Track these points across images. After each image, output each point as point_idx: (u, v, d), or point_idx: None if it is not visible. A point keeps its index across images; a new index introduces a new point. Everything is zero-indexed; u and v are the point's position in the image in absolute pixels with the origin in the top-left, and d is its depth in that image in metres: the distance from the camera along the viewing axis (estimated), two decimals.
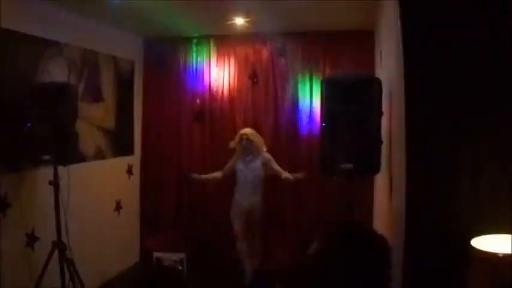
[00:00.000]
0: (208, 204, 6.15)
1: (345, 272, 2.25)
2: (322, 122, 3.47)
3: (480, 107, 2.83)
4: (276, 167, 5.57)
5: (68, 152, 4.03)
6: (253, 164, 5.55)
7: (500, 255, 2.37)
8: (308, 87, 5.93)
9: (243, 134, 5.57)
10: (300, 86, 5.97)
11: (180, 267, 5.01)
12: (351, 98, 3.31)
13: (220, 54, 6.21)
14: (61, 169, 4.08)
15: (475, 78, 2.83)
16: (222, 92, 6.19)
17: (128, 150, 6.12)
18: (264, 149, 5.64)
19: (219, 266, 5.76)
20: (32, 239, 4.26)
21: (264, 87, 6.07)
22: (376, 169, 3.39)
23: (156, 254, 4.81)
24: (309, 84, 5.93)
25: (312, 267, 2.39)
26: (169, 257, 4.85)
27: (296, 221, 5.99)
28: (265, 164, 5.56)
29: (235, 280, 5.50)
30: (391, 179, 3.55)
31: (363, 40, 5.63)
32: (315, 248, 2.57)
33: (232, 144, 5.61)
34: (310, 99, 5.91)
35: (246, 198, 5.55)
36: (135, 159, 6.28)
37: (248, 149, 5.53)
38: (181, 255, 4.87)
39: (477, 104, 2.83)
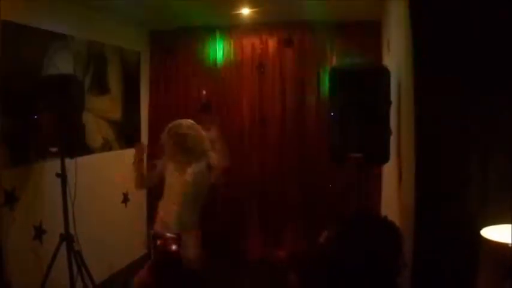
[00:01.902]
0: (215, 194, 6.13)
1: (359, 259, 2.25)
2: (330, 112, 3.45)
3: (490, 96, 2.80)
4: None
5: (75, 144, 4.03)
6: (191, 169, 3.95)
7: (510, 245, 2.36)
8: (315, 77, 5.89)
9: (172, 127, 4.02)
10: (306, 76, 5.93)
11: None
12: (359, 88, 3.30)
13: (226, 45, 6.18)
14: (68, 161, 4.07)
15: (485, 67, 2.81)
16: (229, 83, 6.16)
17: (134, 141, 6.10)
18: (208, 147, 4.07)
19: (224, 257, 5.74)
20: (39, 231, 4.27)
21: (271, 78, 6.04)
22: (385, 159, 3.38)
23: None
24: (316, 74, 5.89)
25: (326, 255, 2.38)
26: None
27: (303, 210, 5.96)
28: (211, 169, 4.01)
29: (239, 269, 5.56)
30: (399, 169, 3.53)
31: (370, 30, 5.59)
32: (327, 236, 2.57)
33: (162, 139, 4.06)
34: (318, 89, 5.87)
35: (177, 220, 3.90)
36: None
37: (182, 147, 3.97)
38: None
39: (486, 94, 2.81)
